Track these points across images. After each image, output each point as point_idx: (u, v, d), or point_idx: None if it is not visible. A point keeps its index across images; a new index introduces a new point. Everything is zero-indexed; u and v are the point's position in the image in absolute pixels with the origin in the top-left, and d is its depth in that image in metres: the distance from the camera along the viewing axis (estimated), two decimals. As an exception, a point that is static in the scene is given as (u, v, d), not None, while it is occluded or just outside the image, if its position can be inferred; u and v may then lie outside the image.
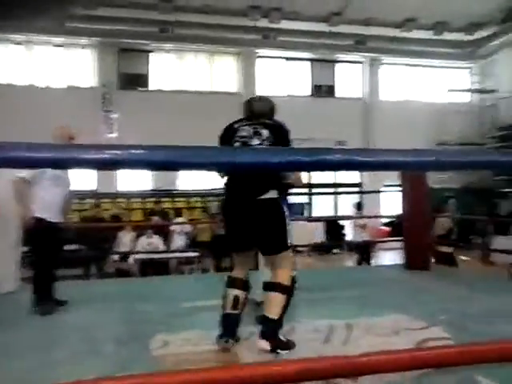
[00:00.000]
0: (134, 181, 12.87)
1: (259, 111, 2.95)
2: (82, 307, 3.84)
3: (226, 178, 2.87)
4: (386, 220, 12.51)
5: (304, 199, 13.50)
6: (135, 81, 13.75)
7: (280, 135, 2.80)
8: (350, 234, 10.58)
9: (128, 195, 12.46)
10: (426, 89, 15.63)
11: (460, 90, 15.76)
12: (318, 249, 12.62)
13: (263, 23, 13.04)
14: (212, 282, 4.27)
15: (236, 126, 2.88)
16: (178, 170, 1.22)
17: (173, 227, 8.68)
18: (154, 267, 7.77)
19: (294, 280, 2.81)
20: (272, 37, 13.34)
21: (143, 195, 12.38)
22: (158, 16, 12.31)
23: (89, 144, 1.04)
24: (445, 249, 6.76)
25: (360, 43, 14.02)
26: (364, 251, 8.65)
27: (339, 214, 14.36)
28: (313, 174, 10.88)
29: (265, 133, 2.78)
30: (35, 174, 3.64)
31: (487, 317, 3.32)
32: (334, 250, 12.84)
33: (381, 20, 13.34)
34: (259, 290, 2.88)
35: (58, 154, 1.02)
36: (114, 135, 12.57)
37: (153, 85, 13.88)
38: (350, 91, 15.15)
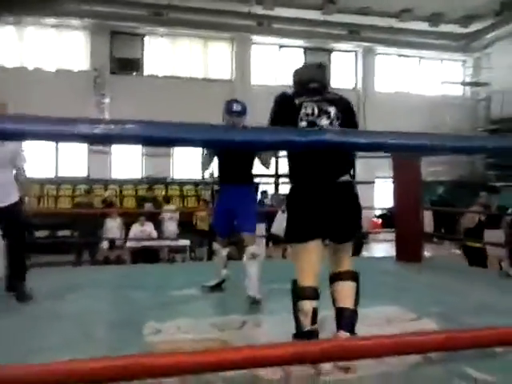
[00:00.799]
0: (126, 168, 12.81)
1: (318, 82, 2.54)
2: (74, 294, 3.81)
3: (292, 164, 2.50)
4: (378, 212, 12.56)
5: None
6: (128, 65, 13.58)
7: (349, 113, 2.50)
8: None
9: (122, 182, 12.41)
10: (419, 81, 15.65)
11: (453, 83, 15.79)
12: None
13: (257, 9, 12.94)
14: (204, 271, 4.27)
15: (298, 101, 2.44)
16: (169, 145, 1.19)
17: (162, 214, 8.65)
18: (145, 255, 7.76)
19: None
20: (266, 23, 13.25)
21: (136, 182, 12.32)
22: (152, -1, 12.18)
23: (82, 117, 1.02)
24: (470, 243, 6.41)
25: (354, 32, 13.97)
26: (357, 242, 8.71)
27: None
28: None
29: (332, 111, 2.44)
30: None
31: (478, 309, 3.33)
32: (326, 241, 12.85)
33: (376, 10, 13.28)
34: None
35: (50, 126, 0.99)
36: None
37: (146, 70, 13.74)
38: (344, 81, 15.12)
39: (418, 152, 2.34)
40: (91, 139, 1.11)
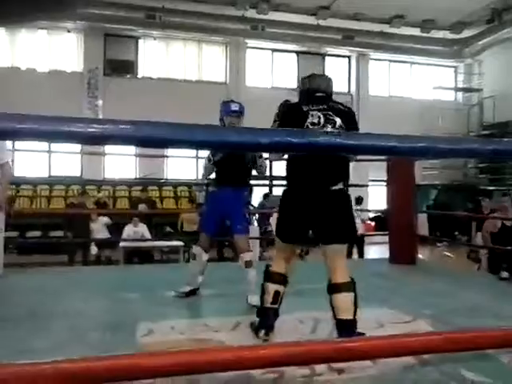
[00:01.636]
0: (120, 169, 12.77)
1: (324, 91, 2.62)
2: (66, 294, 3.78)
3: (289, 167, 2.65)
4: (372, 215, 12.59)
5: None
6: (122, 67, 13.54)
7: (353, 125, 2.58)
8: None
9: (115, 182, 12.37)
10: (412, 86, 15.75)
11: (445, 88, 15.92)
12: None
13: (252, 14, 12.97)
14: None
15: (305, 108, 2.53)
16: (165, 147, 1.19)
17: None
18: (139, 255, 7.74)
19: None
20: (260, 28, 13.28)
21: (130, 183, 12.28)
22: (146, 2, 12.14)
23: (77, 118, 1.01)
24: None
25: (348, 38, 14.03)
26: (359, 244, 8.84)
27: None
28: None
29: (338, 121, 2.53)
30: None
31: (471, 312, 3.35)
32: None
33: (369, 15, 13.37)
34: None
35: (44, 126, 0.99)
36: (98, 122, 12.40)
37: (140, 72, 13.72)
38: (337, 85, 15.15)
39: (414, 154, 2.36)
40: (85, 139, 1.10)
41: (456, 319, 3.12)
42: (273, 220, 10.44)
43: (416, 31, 13.96)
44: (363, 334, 2.53)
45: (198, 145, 1.19)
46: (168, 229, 9.88)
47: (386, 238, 5.71)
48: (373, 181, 11.35)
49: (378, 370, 2.20)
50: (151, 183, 12.06)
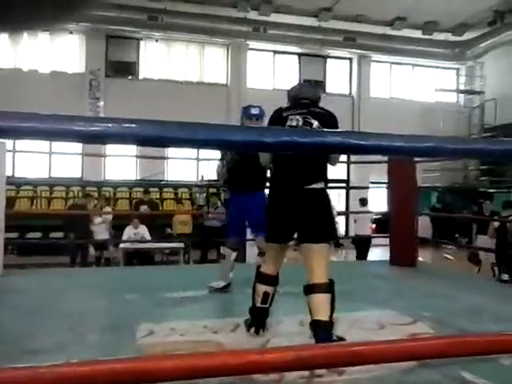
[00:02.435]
0: (120, 170, 12.76)
1: (307, 98, 2.79)
2: (67, 295, 3.78)
3: (272, 169, 2.83)
4: (373, 217, 12.59)
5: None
6: (124, 69, 13.55)
7: (329, 126, 2.63)
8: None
9: (116, 184, 12.36)
10: (413, 88, 15.74)
11: (447, 90, 15.91)
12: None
13: (253, 15, 12.98)
14: (197, 273, 4.26)
15: (285, 114, 2.73)
16: (168, 146, 1.18)
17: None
18: (139, 257, 7.73)
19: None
20: (262, 29, 13.28)
21: (130, 184, 12.26)
22: (148, 4, 12.16)
23: (78, 116, 1.00)
24: None
25: (349, 39, 14.04)
26: (364, 246, 8.85)
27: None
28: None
29: (315, 124, 2.65)
30: None
31: (472, 314, 3.34)
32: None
33: (371, 17, 13.38)
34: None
35: (47, 124, 0.98)
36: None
37: (141, 73, 13.73)
38: (339, 87, 15.17)
39: (419, 154, 2.35)
40: (87, 138, 1.09)
41: (456, 321, 3.12)
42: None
43: (418, 33, 13.96)
44: (342, 338, 2.59)
45: (201, 144, 1.18)
46: (169, 230, 9.88)
47: (387, 240, 5.70)
48: (374, 183, 11.32)
49: (379, 371, 2.19)
50: (151, 185, 12.04)
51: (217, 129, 1.14)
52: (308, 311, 2.55)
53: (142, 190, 11.08)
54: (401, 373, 2.25)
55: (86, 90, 12.76)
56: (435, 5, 12.26)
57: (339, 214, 11.14)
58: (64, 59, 13.05)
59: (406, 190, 5.33)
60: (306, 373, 2.16)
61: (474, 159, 11.68)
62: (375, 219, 11.17)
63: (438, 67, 15.98)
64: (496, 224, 7.20)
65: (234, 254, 3.93)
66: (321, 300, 2.52)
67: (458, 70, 16.27)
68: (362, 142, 1.22)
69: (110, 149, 10.56)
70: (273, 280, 2.80)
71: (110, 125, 1.01)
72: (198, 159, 9.52)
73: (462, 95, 16.26)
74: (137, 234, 7.80)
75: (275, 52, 14.65)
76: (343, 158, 7.58)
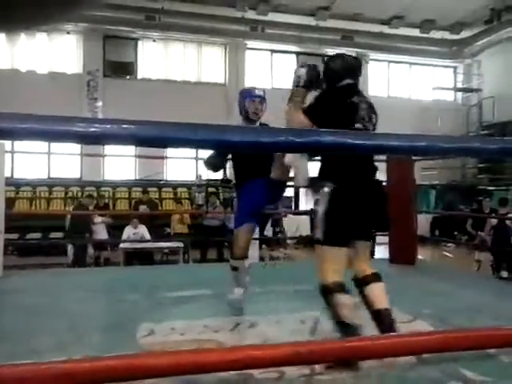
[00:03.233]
0: (119, 170, 12.76)
1: (357, 75, 2.42)
2: (67, 295, 3.77)
3: (333, 164, 2.35)
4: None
5: (290, 193, 13.52)
6: (122, 69, 13.55)
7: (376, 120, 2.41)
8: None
9: (115, 184, 12.37)
10: (411, 86, 15.77)
11: (444, 89, 15.93)
12: (304, 241, 12.64)
13: (251, 15, 12.98)
14: (197, 272, 4.26)
15: (355, 99, 2.30)
16: (167, 146, 1.19)
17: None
18: (139, 257, 7.73)
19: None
20: (260, 29, 13.29)
21: (129, 184, 12.27)
22: (145, 3, 12.16)
23: (77, 117, 1.01)
24: None
25: (347, 38, 14.05)
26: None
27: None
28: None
29: (374, 118, 2.37)
30: None
31: (471, 312, 3.34)
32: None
33: (368, 16, 13.40)
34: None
35: (46, 125, 0.98)
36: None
37: (139, 73, 13.72)
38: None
39: (417, 153, 2.36)
40: (86, 138, 1.10)
41: (456, 319, 3.12)
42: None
43: (415, 32, 13.99)
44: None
45: (200, 144, 1.19)
46: (168, 230, 9.88)
47: (386, 239, 5.71)
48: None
49: (379, 368, 2.19)
50: (150, 185, 12.04)
51: (215, 129, 1.15)
52: (311, 308, 2.47)
53: (141, 189, 11.09)
54: (400, 369, 2.26)
55: (84, 91, 12.76)
56: (432, 3, 12.28)
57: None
58: (62, 60, 13.03)
59: (404, 188, 5.34)
60: (306, 370, 2.17)
61: (473, 157, 11.69)
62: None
63: (435, 65, 16.01)
64: (493, 221, 7.21)
65: (246, 263, 3.42)
66: (381, 288, 2.43)
67: (455, 68, 16.30)
68: (359, 142, 1.23)
69: (109, 149, 10.56)
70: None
71: (108, 126, 1.02)
72: (196, 159, 9.51)
73: (459, 93, 16.28)
74: (136, 233, 7.81)
75: (273, 51, 14.67)
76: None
